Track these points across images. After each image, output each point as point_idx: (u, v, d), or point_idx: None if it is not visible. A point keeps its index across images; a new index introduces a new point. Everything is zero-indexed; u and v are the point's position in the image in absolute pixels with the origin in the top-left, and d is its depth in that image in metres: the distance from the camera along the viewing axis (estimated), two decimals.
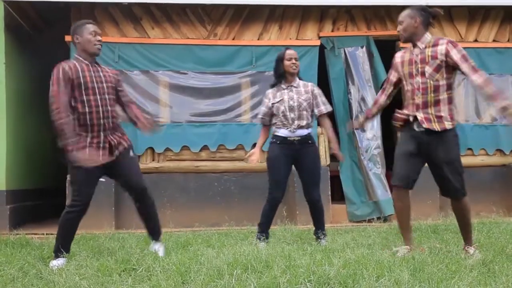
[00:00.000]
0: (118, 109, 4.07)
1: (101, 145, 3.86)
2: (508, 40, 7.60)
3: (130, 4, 6.85)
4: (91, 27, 3.96)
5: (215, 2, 6.92)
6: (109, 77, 4.01)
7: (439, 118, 3.81)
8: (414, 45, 3.94)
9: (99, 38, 3.97)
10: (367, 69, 7.27)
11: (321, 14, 7.33)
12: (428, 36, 3.91)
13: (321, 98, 4.67)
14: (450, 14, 7.50)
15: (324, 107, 4.64)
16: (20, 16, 7.19)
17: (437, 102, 3.82)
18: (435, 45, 3.85)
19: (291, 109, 4.54)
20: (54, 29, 7.58)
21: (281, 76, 4.64)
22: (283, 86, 4.63)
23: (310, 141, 4.59)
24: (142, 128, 4.11)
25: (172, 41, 7.03)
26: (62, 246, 3.82)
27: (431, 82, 3.82)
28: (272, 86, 4.74)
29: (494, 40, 7.58)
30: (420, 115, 3.84)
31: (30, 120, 7.65)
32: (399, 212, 4.00)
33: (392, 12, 7.42)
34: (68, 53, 6.87)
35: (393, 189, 3.99)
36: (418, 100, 3.86)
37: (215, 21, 7.17)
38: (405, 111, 3.94)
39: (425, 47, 3.88)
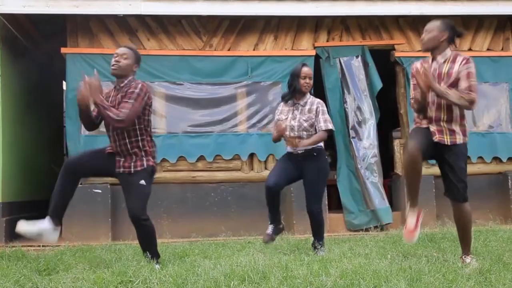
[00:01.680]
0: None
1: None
2: (502, 49, 7.65)
3: (125, 16, 6.88)
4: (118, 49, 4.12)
5: (210, 14, 6.95)
6: (117, 99, 4.01)
7: (452, 132, 3.86)
8: (433, 58, 3.95)
9: (115, 59, 4.04)
10: (363, 79, 7.30)
11: (316, 24, 7.37)
12: (448, 52, 3.92)
13: (324, 116, 4.62)
14: None
15: (324, 124, 4.58)
16: (16, 29, 7.20)
17: (449, 118, 3.86)
18: (453, 61, 3.87)
19: (292, 129, 4.60)
20: (50, 41, 7.60)
21: (295, 92, 4.63)
22: (291, 102, 4.68)
23: (315, 154, 4.60)
24: None
25: (168, 52, 7.06)
26: (50, 203, 3.94)
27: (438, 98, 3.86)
28: (283, 98, 4.79)
29: (488, 49, 7.63)
30: (433, 128, 3.88)
31: (25, 132, 7.63)
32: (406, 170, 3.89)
33: (386, 22, 7.47)
34: (64, 65, 6.89)
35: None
36: (432, 113, 3.89)
37: (211, 32, 7.20)
38: (423, 122, 3.94)
39: (444, 62, 3.89)
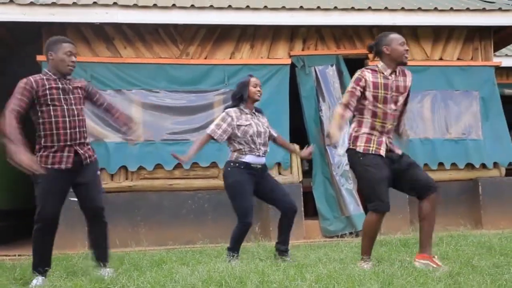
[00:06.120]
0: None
1: (66, 154, 3.85)
2: (472, 58, 7.88)
3: (102, 24, 6.89)
4: (67, 47, 3.92)
5: (186, 22, 7.00)
6: (77, 88, 3.98)
7: (392, 144, 4.03)
8: (393, 71, 3.98)
9: (73, 59, 3.94)
10: (337, 87, 7.43)
11: (292, 33, 7.49)
12: None
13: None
14: (416, 33, 7.74)
15: (275, 130, 4.85)
16: None
17: (392, 129, 4.04)
18: (404, 75, 4.01)
19: (259, 134, 4.58)
20: (26, 48, 7.55)
21: (243, 100, 4.62)
22: (245, 110, 4.62)
23: (267, 169, 4.73)
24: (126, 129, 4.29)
25: (145, 60, 7.09)
26: (38, 264, 3.82)
27: (397, 111, 4.00)
28: (230, 107, 4.67)
29: (458, 58, 7.85)
30: (387, 140, 3.97)
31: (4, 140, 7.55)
32: (375, 233, 4.00)
33: (360, 32, 7.63)
34: (40, 73, 6.85)
35: (377, 214, 3.90)
36: (390, 126, 3.97)
37: (187, 41, 7.26)
38: (374, 133, 3.94)
39: (398, 75, 3.98)
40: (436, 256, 3.95)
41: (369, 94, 3.91)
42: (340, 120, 3.89)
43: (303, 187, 7.21)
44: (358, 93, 3.91)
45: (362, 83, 3.91)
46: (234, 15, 7.03)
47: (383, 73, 3.94)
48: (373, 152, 3.89)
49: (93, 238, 4.07)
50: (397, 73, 3.99)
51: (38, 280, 3.72)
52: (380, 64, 3.99)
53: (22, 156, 3.60)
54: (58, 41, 3.95)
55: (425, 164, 7.46)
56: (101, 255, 4.03)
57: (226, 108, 4.72)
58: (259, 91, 4.66)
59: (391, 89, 3.92)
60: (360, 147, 3.92)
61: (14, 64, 7.86)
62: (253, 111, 4.69)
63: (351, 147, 3.98)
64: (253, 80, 4.66)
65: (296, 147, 4.90)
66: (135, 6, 6.83)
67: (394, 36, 3.99)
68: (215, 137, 4.54)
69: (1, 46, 7.61)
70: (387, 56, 3.95)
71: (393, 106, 3.94)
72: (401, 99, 3.99)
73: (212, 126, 4.58)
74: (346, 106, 3.92)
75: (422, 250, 3.96)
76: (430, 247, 3.98)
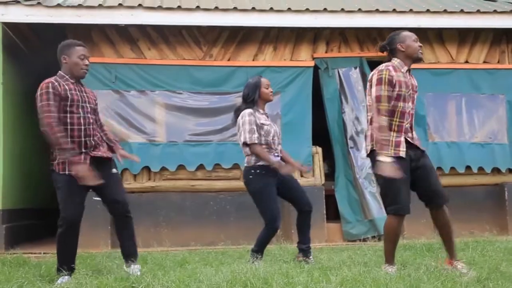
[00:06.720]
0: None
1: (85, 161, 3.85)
2: (498, 61, 7.75)
3: (126, 25, 6.95)
4: (80, 50, 3.94)
5: (210, 24, 7.03)
6: (91, 98, 4.04)
7: (413, 139, 3.92)
8: (409, 69, 3.95)
9: (87, 62, 3.96)
10: (361, 90, 7.38)
11: (315, 35, 7.46)
12: None
13: None
14: (441, 36, 7.65)
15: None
16: (17, 36, 7.25)
17: (409, 128, 3.94)
18: (411, 74, 3.98)
19: (278, 135, 4.63)
20: (51, 49, 7.65)
21: (254, 102, 4.58)
22: (260, 111, 4.60)
23: None
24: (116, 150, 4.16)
25: (168, 62, 7.12)
26: (62, 264, 3.84)
27: (413, 110, 3.94)
28: (243, 109, 4.60)
29: (484, 61, 7.73)
30: (409, 136, 3.91)
31: (27, 139, 7.66)
32: (396, 237, 3.92)
33: (384, 34, 7.53)
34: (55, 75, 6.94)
35: (397, 217, 3.81)
36: (407, 124, 3.90)
37: (211, 43, 7.28)
38: (392, 134, 3.84)
39: (410, 74, 3.96)
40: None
41: (394, 93, 3.83)
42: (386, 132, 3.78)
43: (325, 190, 7.17)
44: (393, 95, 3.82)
45: (392, 83, 3.80)
46: (257, 17, 7.03)
47: (401, 71, 3.89)
48: (393, 155, 3.82)
49: (120, 234, 4.08)
50: (410, 72, 3.97)
51: (64, 278, 3.75)
52: (396, 62, 3.92)
53: (78, 167, 3.71)
54: (72, 45, 3.97)
55: (452, 168, 7.36)
56: (129, 251, 4.03)
57: (237, 110, 4.68)
58: (271, 91, 4.66)
59: (408, 87, 3.88)
60: None
61: (40, 65, 7.97)
62: (266, 112, 4.69)
63: (375, 148, 3.90)
64: (264, 80, 4.65)
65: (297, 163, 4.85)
66: (160, 8, 6.87)
67: (407, 33, 3.97)
68: (257, 142, 4.46)
69: (27, 47, 7.72)
70: (402, 53, 3.92)
71: (410, 104, 3.90)
72: (415, 97, 3.98)
73: (248, 135, 4.44)
74: (385, 114, 3.79)
75: (452, 256, 3.94)
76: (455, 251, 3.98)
